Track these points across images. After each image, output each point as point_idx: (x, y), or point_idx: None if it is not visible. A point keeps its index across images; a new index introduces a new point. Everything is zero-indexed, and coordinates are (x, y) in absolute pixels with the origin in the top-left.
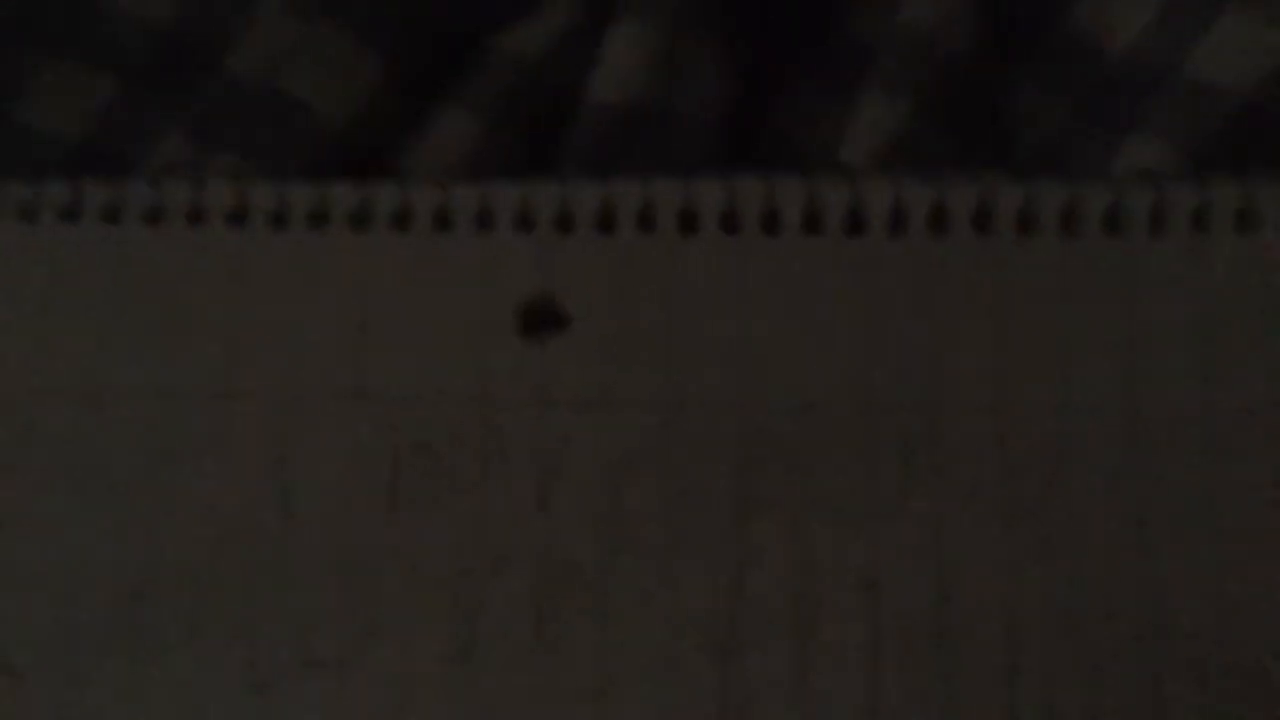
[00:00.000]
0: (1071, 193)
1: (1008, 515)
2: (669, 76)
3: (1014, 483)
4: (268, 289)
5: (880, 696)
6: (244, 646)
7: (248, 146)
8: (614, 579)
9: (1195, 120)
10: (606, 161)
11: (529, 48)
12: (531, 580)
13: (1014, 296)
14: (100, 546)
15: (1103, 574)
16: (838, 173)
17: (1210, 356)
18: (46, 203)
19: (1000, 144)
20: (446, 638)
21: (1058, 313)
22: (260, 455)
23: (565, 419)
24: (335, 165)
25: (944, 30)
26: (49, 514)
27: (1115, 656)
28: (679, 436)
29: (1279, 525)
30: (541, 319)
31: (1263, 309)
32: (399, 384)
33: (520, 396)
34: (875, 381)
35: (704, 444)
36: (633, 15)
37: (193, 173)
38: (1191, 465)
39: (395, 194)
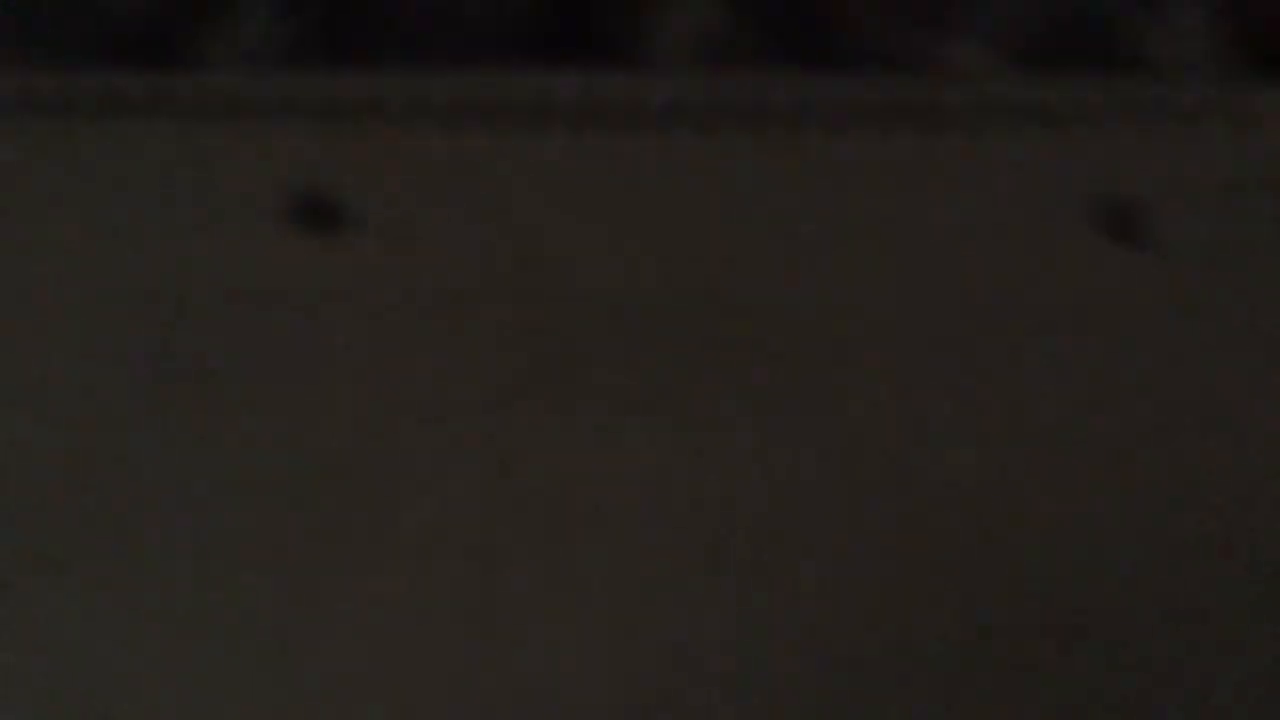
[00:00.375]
0: (857, 89)
1: (789, 415)
2: None
3: (791, 379)
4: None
5: (658, 584)
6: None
7: (35, 36)
8: (381, 472)
9: (1017, 21)
10: (415, 52)
11: None
12: (301, 473)
13: (790, 190)
14: None
15: (884, 478)
16: (620, 68)
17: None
18: None
19: (819, 44)
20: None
21: (844, 208)
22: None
23: (339, 310)
24: (132, 55)
25: None
26: None
27: (898, 541)
28: (455, 329)
29: (1071, 432)
30: (316, 212)
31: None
32: (164, 277)
33: (291, 288)
34: (655, 278)
35: (482, 337)
36: None
37: None
38: (969, 364)
39: (166, 84)
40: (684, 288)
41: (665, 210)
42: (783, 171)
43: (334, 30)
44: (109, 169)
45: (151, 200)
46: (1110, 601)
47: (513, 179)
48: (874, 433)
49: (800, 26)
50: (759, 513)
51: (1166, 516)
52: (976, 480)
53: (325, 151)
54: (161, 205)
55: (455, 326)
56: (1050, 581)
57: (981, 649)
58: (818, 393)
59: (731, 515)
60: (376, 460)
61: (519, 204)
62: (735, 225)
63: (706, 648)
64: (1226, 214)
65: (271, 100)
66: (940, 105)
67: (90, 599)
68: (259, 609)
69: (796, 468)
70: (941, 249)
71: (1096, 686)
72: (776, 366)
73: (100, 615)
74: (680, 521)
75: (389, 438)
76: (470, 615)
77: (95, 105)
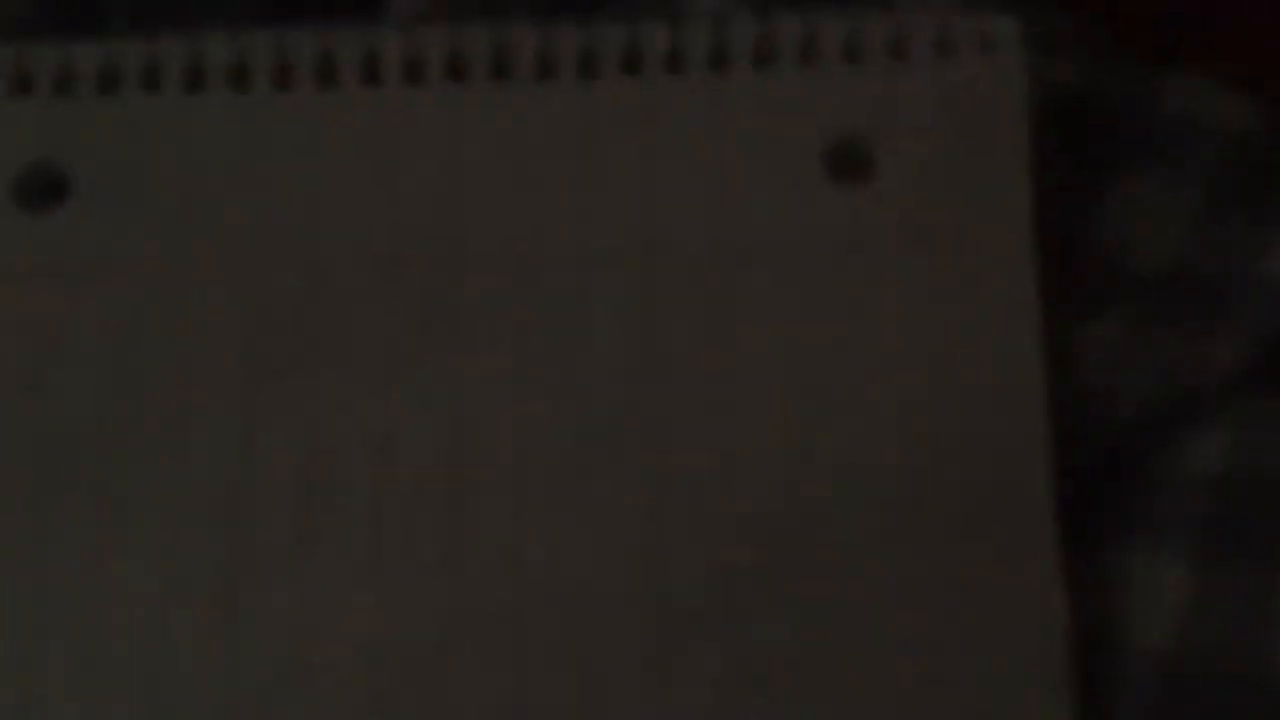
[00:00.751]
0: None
1: (524, 369)
2: None
3: (531, 335)
4: None
5: (387, 556)
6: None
7: None
8: (118, 449)
9: None
10: (149, 18)
11: None
12: (28, 458)
13: (533, 140)
14: None
15: (614, 421)
16: (361, 24)
17: (721, 197)
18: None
19: None
20: None
21: (577, 157)
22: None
23: (66, 289)
24: None
25: None
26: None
27: (618, 498)
28: (187, 302)
29: (783, 372)
30: (40, 187)
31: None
32: None
33: (18, 267)
34: (386, 236)
35: (214, 308)
36: None
37: None
38: (703, 308)
39: None
40: (424, 242)
41: (410, 166)
42: (526, 121)
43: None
44: None
45: None
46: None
47: (247, 143)
48: (604, 386)
49: None
50: (504, 464)
51: (864, 454)
52: (722, 423)
53: (56, 124)
54: None
55: (189, 300)
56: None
57: (728, 585)
58: (563, 340)
59: (477, 466)
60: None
61: (256, 170)
62: (480, 177)
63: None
64: (947, 148)
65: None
66: (683, 48)
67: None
68: None
69: (543, 416)
70: (686, 192)
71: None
72: (520, 317)
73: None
74: (424, 477)
75: (126, 411)
76: (217, 572)
77: None
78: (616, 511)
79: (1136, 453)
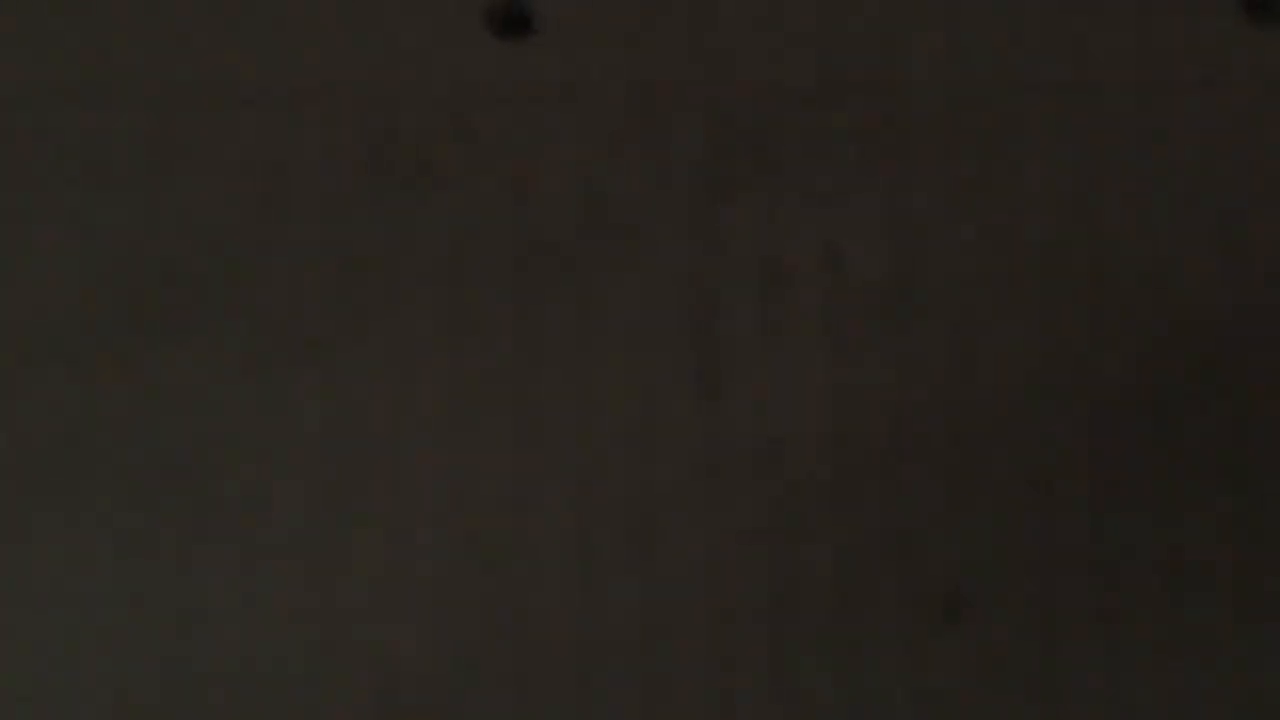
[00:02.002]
0: None
1: (961, 191)
2: None
3: (967, 159)
4: None
5: (843, 358)
6: (242, 331)
7: None
8: (591, 258)
9: None
10: None
11: None
12: (512, 262)
13: None
14: (103, 244)
15: (1049, 240)
16: None
17: (1147, 33)
18: None
19: None
20: (434, 319)
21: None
22: (249, 153)
23: (538, 113)
24: None
25: None
26: (55, 210)
27: (1058, 310)
28: (651, 125)
29: (1204, 191)
30: (510, 18)
31: None
32: (375, 83)
33: (494, 94)
34: (836, 65)
35: (675, 131)
36: None
37: None
38: (1130, 138)
39: None
40: (865, 75)
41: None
42: None
43: None
44: None
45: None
46: None
47: None
48: (1036, 208)
49: None
50: (935, 277)
51: None
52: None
53: None
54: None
55: (653, 124)
56: None
57: None
58: (987, 170)
59: None
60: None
61: (700, 4)
62: (906, 12)
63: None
64: None
65: None
66: None
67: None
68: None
69: (972, 239)
70: (1109, 29)
71: None
72: (951, 145)
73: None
74: None
75: (592, 222)
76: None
77: None
78: (1059, 320)
79: None
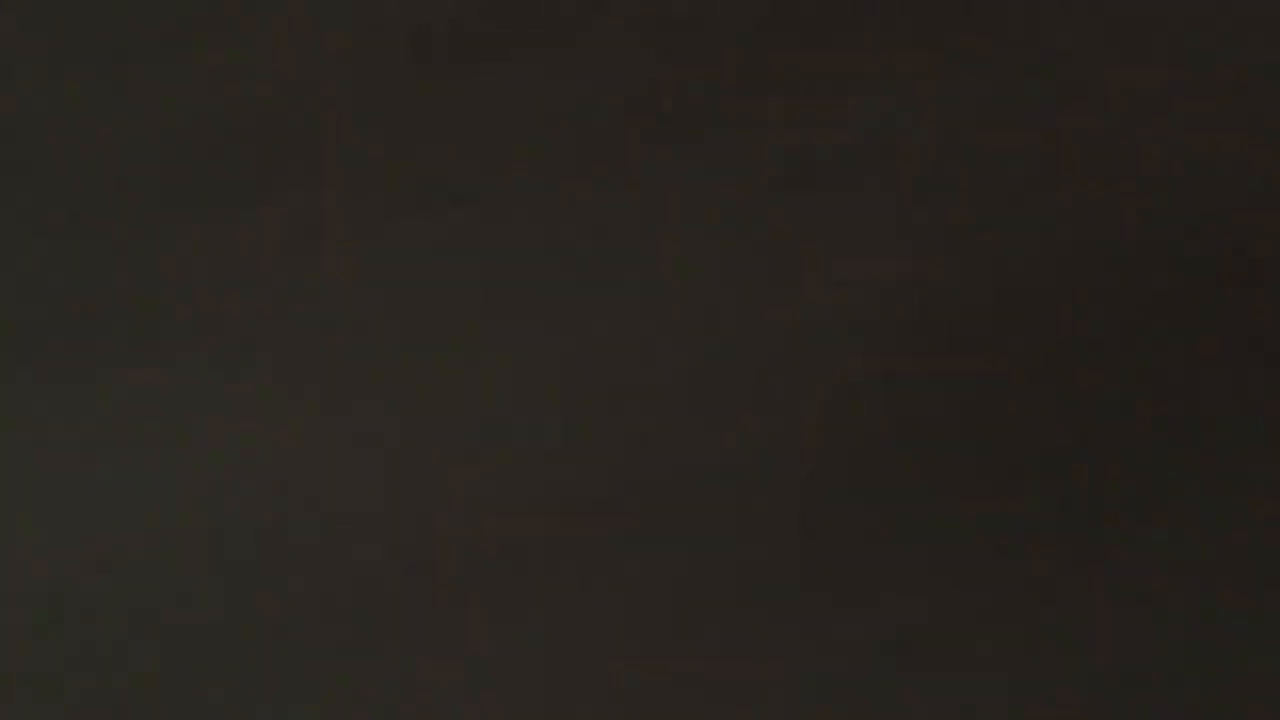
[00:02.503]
0: None
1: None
2: None
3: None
4: None
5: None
6: (333, 190)
7: None
8: (707, 123)
9: None
10: None
11: None
12: (625, 118)
13: None
14: (177, 104)
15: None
16: None
17: None
18: None
19: None
20: (547, 176)
21: None
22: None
23: None
24: None
25: None
26: (137, 72)
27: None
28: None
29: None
30: None
31: None
32: None
33: None
34: None
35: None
36: None
37: None
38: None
39: None
40: None
41: None
42: None
43: None
44: None
45: None
46: None
47: None
48: None
49: None
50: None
51: None
52: None
53: None
54: None
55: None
56: None
57: None
58: None
59: None
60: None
61: None
62: None
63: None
64: None
65: None
66: None
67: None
68: None
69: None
70: None
71: None
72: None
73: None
74: None
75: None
76: None
77: None
78: None
79: None
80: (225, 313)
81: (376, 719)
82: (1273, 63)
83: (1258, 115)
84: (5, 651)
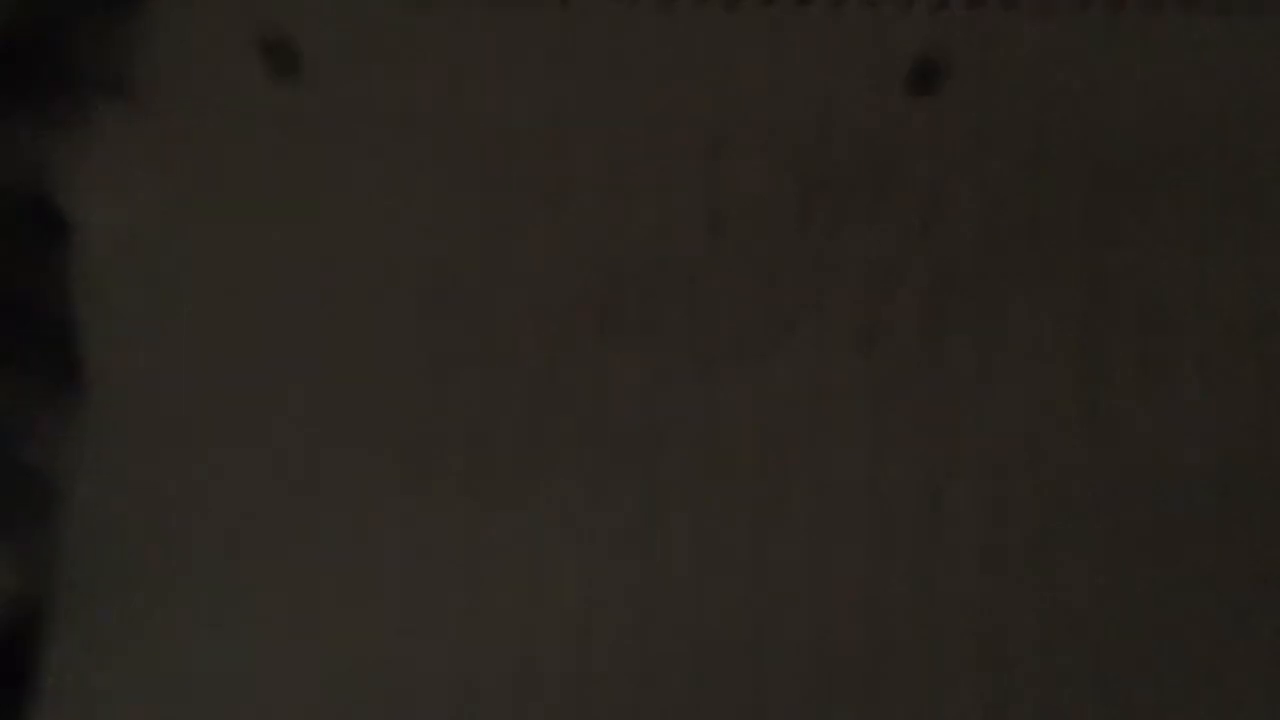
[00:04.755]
0: None
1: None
2: None
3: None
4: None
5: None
6: (688, 338)
7: None
8: (993, 291)
9: None
10: None
11: None
12: (922, 288)
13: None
14: (567, 253)
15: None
16: None
17: None
18: None
19: None
20: (851, 333)
21: None
22: (689, 179)
23: (946, 159)
24: None
25: None
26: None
27: None
28: (1043, 177)
29: None
30: (926, 75)
31: None
32: (805, 126)
33: (907, 141)
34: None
35: (1062, 180)
36: None
37: None
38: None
39: None
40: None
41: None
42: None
43: None
44: None
45: None
46: None
47: (1091, 65)
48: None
49: None
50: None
51: None
52: None
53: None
54: None
55: (1045, 175)
56: None
57: None
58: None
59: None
60: None
61: (1098, 91)
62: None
63: None
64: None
65: None
66: None
67: None
68: None
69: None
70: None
71: None
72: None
73: None
74: None
75: None
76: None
77: None
78: None
79: None
80: (587, 449)
81: None
82: None
83: None
84: None
